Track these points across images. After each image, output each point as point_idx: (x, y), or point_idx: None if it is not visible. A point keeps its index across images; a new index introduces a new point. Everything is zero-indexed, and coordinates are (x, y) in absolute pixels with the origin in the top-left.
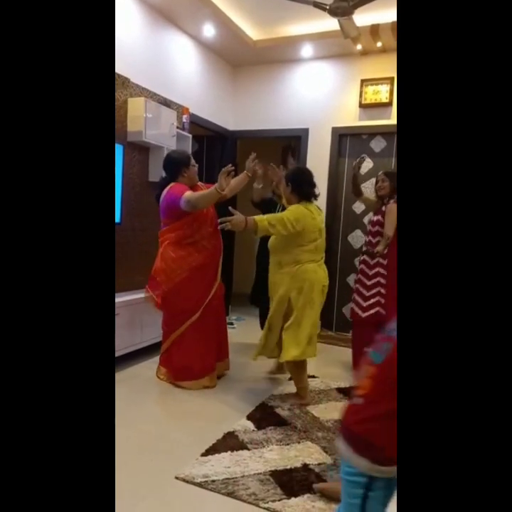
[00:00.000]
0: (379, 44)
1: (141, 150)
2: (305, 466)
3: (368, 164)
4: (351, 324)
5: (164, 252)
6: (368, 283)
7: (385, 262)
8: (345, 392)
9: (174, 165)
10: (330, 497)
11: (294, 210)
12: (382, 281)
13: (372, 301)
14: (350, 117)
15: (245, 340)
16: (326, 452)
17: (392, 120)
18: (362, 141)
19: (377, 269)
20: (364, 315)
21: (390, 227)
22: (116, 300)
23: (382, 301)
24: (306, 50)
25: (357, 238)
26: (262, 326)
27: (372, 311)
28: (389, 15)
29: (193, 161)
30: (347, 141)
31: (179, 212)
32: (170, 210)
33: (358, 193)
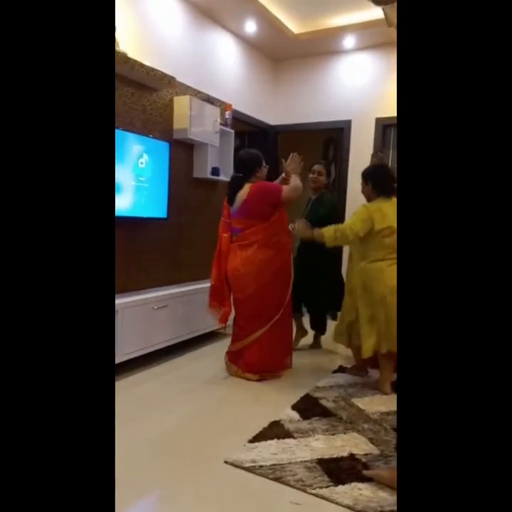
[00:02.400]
0: None
1: (186, 147)
2: (352, 455)
3: None
4: None
5: (253, 255)
6: None
7: None
8: (391, 385)
9: (251, 164)
10: (379, 484)
11: (357, 215)
12: None
13: None
14: (395, 107)
15: None
16: (373, 443)
17: None
18: None
19: None
20: None
21: None
22: (163, 293)
23: None
24: (348, 41)
25: None
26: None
27: None
28: None
29: (264, 162)
30: (391, 132)
31: (271, 210)
32: (262, 209)
33: None
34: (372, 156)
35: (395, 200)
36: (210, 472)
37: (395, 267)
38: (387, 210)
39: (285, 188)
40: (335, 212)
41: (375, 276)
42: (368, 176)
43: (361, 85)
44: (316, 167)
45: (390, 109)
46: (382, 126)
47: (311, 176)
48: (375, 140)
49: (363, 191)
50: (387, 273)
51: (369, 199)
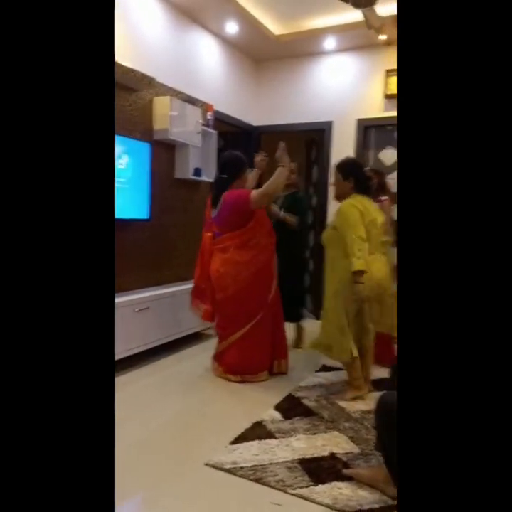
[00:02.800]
0: None
1: (167, 148)
2: (332, 454)
3: (393, 156)
4: None
5: (230, 257)
6: None
7: None
8: (372, 384)
9: (234, 166)
10: (359, 483)
11: (353, 219)
12: None
13: None
14: (375, 108)
15: None
16: (354, 442)
17: None
18: (387, 133)
19: None
20: None
21: (388, 221)
22: (146, 294)
23: None
24: (329, 42)
25: None
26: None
27: None
28: None
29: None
30: (372, 133)
31: (244, 220)
32: (234, 219)
33: None
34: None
35: (368, 199)
36: (191, 474)
37: (382, 260)
38: (368, 205)
39: (253, 193)
40: (306, 213)
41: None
42: (350, 171)
43: (342, 87)
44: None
45: (370, 110)
46: (364, 127)
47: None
48: (356, 141)
49: (339, 186)
50: (375, 266)
51: (344, 195)
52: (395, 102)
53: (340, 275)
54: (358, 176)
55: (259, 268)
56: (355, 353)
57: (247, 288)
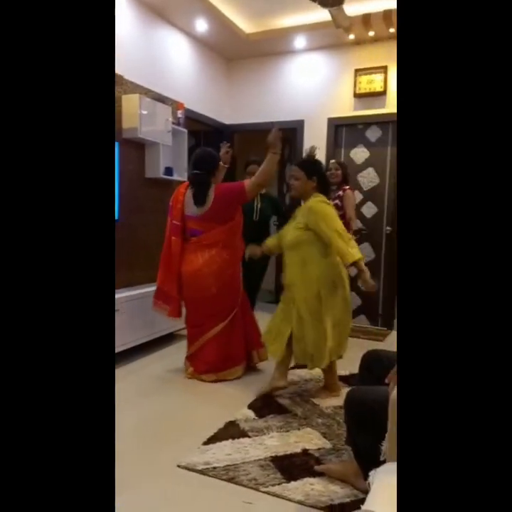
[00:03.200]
0: (371, 33)
1: (136, 147)
2: (305, 451)
3: (364, 154)
4: None
5: (216, 254)
6: None
7: None
8: (344, 379)
9: (213, 160)
10: (330, 478)
11: (323, 215)
12: None
13: None
14: (346, 107)
15: None
16: (326, 438)
17: (387, 109)
18: (357, 131)
19: None
20: None
21: (352, 210)
22: (117, 296)
23: None
24: (299, 41)
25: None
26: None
27: None
28: (380, 4)
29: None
30: (343, 132)
31: (234, 211)
32: (227, 211)
33: None
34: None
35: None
36: (164, 476)
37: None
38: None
39: (247, 183)
40: (278, 208)
41: (341, 272)
42: (314, 171)
43: (313, 86)
44: (252, 168)
45: (341, 109)
46: (335, 126)
47: (248, 177)
48: (327, 139)
49: (301, 185)
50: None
51: (305, 194)
52: (364, 101)
53: (319, 276)
54: (321, 176)
55: (236, 266)
56: (333, 356)
57: (226, 285)
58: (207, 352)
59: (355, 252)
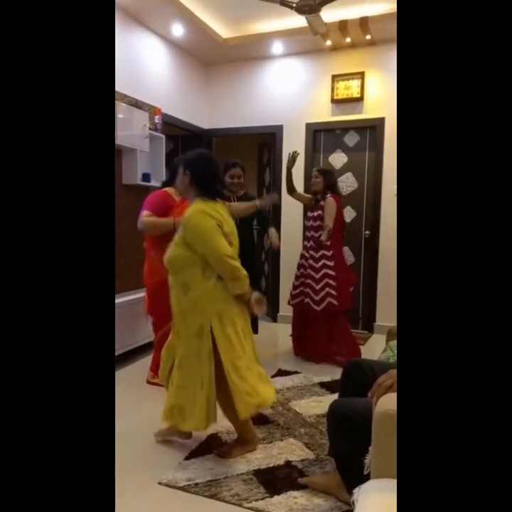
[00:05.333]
0: (348, 39)
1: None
2: (288, 463)
3: (342, 159)
4: (302, 317)
5: (147, 264)
6: (317, 276)
7: (329, 253)
8: (327, 386)
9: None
10: (314, 491)
11: (213, 231)
12: (330, 272)
13: (322, 293)
14: (323, 113)
15: None
16: (309, 448)
17: (364, 114)
18: (336, 136)
19: (322, 262)
20: (319, 308)
21: (330, 219)
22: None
23: (333, 292)
24: (277, 47)
25: None
26: None
27: (324, 304)
28: (356, 11)
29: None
30: (321, 137)
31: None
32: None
33: (291, 190)
34: (290, 158)
35: (223, 205)
36: (144, 494)
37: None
38: (223, 212)
39: (143, 219)
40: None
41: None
42: (189, 164)
43: (291, 91)
44: (236, 172)
45: (319, 114)
46: (313, 131)
47: (229, 180)
48: (306, 145)
49: (180, 183)
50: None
51: (186, 194)
52: (341, 106)
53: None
54: (199, 173)
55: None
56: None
57: (153, 294)
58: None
59: (246, 281)
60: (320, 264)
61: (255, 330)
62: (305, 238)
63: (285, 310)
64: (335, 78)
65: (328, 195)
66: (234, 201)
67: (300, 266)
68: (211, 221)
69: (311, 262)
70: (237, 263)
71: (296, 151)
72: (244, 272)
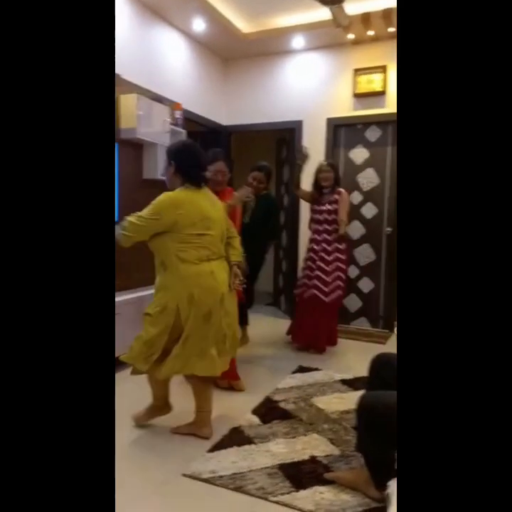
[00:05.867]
0: (370, 32)
1: (134, 147)
2: (312, 458)
3: (363, 154)
4: (308, 307)
5: None
6: (328, 268)
7: (342, 247)
8: (349, 383)
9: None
10: (340, 486)
11: (156, 202)
12: (341, 266)
13: (333, 285)
14: (345, 107)
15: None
16: (333, 444)
17: (387, 109)
18: (357, 131)
19: (335, 255)
20: (328, 299)
21: (345, 213)
22: (116, 299)
23: (342, 284)
24: (297, 41)
25: (356, 229)
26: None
27: (334, 296)
28: (380, 2)
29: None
30: (342, 132)
31: None
32: None
33: (297, 187)
34: (298, 152)
35: (207, 192)
36: (168, 486)
37: (226, 266)
38: (203, 199)
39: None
40: (271, 214)
41: (208, 283)
42: (173, 154)
43: (311, 86)
44: (257, 175)
45: (340, 109)
46: (333, 126)
47: (251, 181)
48: (326, 140)
49: (167, 176)
50: (219, 276)
51: (172, 185)
52: (363, 101)
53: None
54: (181, 161)
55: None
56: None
57: None
58: None
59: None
60: (332, 257)
61: (245, 321)
62: (314, 231)
63: None
64: (357, 72)
65: (341, 189)
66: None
67: (308, 259)
68: (166, 201)
69: (322, 254)
70: (133, 219)
71: (304, 146)
72: (128, 225)
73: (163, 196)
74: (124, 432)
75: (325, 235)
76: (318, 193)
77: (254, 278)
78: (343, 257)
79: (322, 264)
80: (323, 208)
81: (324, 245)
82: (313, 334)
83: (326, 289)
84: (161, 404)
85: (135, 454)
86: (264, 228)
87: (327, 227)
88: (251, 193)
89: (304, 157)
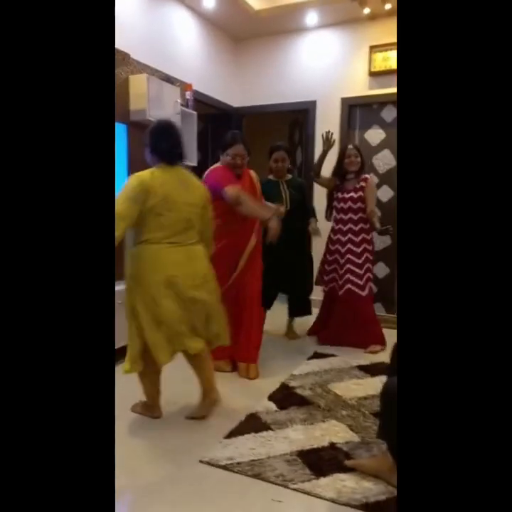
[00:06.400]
0: (388, 6)
1: (145, 129)
2: (332, 445)
3: (379, 135)
4: (344, 304)
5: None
6: (360, 261)
7: (369, 237)
8: (366, 369)
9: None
10: (362, 474)
11: (122, 190)
12: (370, 257)
13: (365, 277)
14: (360, 87)
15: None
16: (353, 430)
17: None
18: (372, 111)
19: (363, 246)
20: (365, 293)
21: (373, 202)
22: (116, 288)
23: (372, 276)
24: (311, 17)
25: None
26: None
27: (367, 290)
28: None
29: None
30: (357, 112)
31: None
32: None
33: (318, 174)
34: (325, 136)
35: (180, 170)
36: (186, 472)
37: (188, 250)
38: (171, 178)
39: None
40: (305, 195)
41: (152, 263)
42: (148, 135)
43: (325, 64)
44: (279, 155)
45: (355, 88)
46: (348, 106)
47: (274, 165)
48: (341, 121)
49: (146, 155)
50: (165, 257)
51: (151, 163)
52: (379, 79)
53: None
54: (155, 141)
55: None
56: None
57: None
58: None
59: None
60: (361, 248)
61: (308, 310)
62: (338, 221)
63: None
64: (372, 49)
65: (366, 175)
66: (283, 186)
67: (334, 251)
68: (136, 182)
69: (350, 246)
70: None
71: (329, 131)
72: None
73: (131, 179)
74: (136, 420)
75: (351, 225)
76: (341, 180)
77: (310, 260)
78: (370, 247)
79: (352, 257)
80: (347, 195)
81: (351, 236)
82: (354, 332)
83: (360, 283)
84: (151, 405)
85: (150, 443)
86: (303, 209)
87: (352, 216)
88: (277, 176)
89: (330, 143)
